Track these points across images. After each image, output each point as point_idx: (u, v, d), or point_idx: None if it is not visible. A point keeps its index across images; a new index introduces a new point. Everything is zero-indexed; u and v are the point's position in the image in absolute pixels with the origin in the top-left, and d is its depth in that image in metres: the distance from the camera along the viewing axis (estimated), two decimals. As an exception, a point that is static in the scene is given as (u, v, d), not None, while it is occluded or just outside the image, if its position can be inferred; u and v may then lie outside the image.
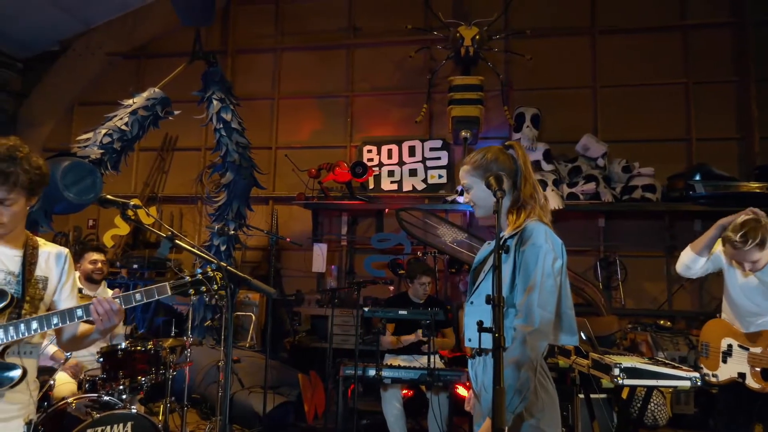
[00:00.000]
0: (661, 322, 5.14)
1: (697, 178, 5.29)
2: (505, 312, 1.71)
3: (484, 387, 1.76)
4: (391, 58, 6.91)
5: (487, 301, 1.41)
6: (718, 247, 2.89)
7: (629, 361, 2.79)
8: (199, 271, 1.85)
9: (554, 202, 5.38)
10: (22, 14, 6.94)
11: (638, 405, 3.89)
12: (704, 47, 6.16)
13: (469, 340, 1.84)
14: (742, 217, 2.70)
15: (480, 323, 1.50)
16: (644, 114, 6.20)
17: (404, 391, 4.06)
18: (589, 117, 6.34)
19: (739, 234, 2.61)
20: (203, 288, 1.82)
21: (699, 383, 2.72)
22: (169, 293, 1.80)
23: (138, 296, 1.79)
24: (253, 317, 5.91)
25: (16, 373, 1.68)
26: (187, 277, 1.82)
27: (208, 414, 4.72)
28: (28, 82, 7.88)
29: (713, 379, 2.92)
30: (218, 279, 1.81)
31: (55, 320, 1.74)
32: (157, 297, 1.80)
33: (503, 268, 1.72)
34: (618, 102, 6.30)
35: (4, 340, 1.67)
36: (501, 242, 1.79)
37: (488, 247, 2.00)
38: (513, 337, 1.65)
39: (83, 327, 1.92)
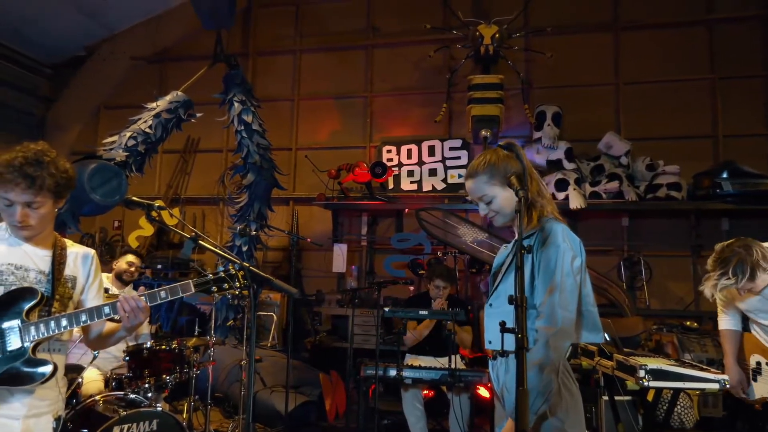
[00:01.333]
0: (688, 323, 5.02)
1: (725, 175, 5.17)
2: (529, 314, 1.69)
3: (506, 388, 1.75)
4: (410, 57, 6.90)
5: (510, 302, 1.40)
6: (732, 302, 2.89)
7: (655, 363, 2.73)
8: (222, 269, 1.88)
9: (576, 201, 5.31)
10: (50, 21, 7.12)
11: (664, 407, 3.82)
12: (731, 42, 6.01)
13: (490, 342, 1.82)
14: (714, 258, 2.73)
15: (503, 324, 1.49)
16: (669, 111, 6.08)
17: (425, 392, 4.05)
18: (611, 114, 6.25)
19: (722, 272, 2.61)
20: (225, 285, 1.85)
21: (728, 386, 2.66)
22: (193, 291, 1.85)
23: (163, 293, 1.83)
24: (275, 317, 5.96)
25: (48, 369, 1.72)
26: (210, 275, 1.86)
27: (231, 413, 4.78)
28: (56, 86, 8.08)
29: (744, 396, 2.88)
30: (240, 277, 1.84)
31: (83, 317, 1.78)
32: (181, 294, 1.85)
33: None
34: (641, 99, 6.19)
35: (36, 337, 1.71)
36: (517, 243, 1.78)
37: (505, 250, 1.98)
38: (535, 339, 1.64)
39: (109, 325, 1.96)
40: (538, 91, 6.45)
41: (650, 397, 3.47)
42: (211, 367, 3.85)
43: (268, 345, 5.76)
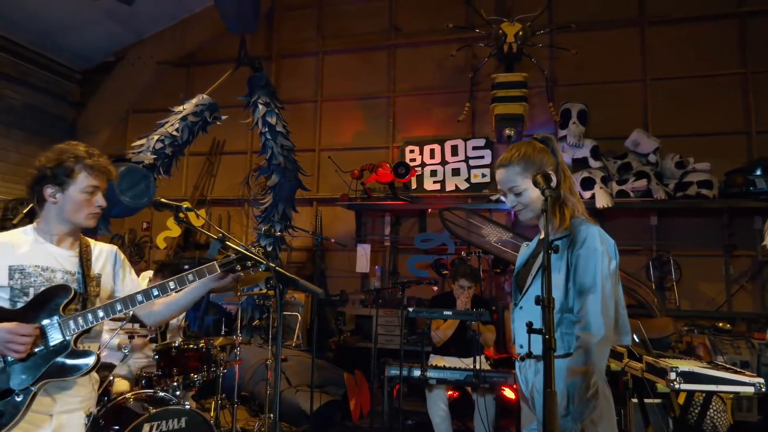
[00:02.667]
0: (720, 324, 4.89)
1: (758, 173, 5.02)
2: (559, 318, 1.67)
3: (537, 390, 1.72)
4: (432, 57, 6.88)
5: (537, 302, 1.38)
6: None
7: (686, 365, 2.67)
8: (243, 248, 1.93)
9: (603, 200, 5.22)
10: (80, 27, 7.32)
11: (696, 411, 3.73)
12: (764, 35, 5.83)
13: (521, 346, 1.77)
14: None
15: (529, 325, 1.46)
16: (698, 107, 5.93)
17: (449, 392, 4.03)
18: (638, 111, 6.13)
19: None
20: (249, 263, 1.91)
21: (764, 389, 2.58)
22: (219, 271, 1.90)
23: (191, 277, 1.89)
24: (299, 317, 6.01)
25: (91, 360, 1.77)
26: (233, 256, 1.91)
27: (256, 411, 4.83)
28: (86, 92, 8.30)
29: None
30: (260, 253, 1.91)
31: (118, 307, 1.83)
32: (207, 276, 1.90)
33: (555, 274, 1.68)
34: (670, 95, 6.05)
35: (76, 330, 1.77)
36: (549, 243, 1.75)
37: (527, 249, 1.93)
38: (577, 346, 1.60)
39: (159, 301, 1.99)
40: (563, 88, 6.37)
41: (681, 400, 3.38)
42: (238, 366, 3.90)
43: (293, 345, 5.81)
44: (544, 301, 1.36)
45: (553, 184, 1.73)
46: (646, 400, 3.29)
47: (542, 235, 1.79)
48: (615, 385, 3.35)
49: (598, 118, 6.02)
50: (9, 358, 1.69)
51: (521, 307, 1.82)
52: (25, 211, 5.63)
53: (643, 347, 3.01)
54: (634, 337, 3.17)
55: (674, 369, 2.59)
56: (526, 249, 1.95)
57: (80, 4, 5.15)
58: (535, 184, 1.60)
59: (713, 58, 5.96)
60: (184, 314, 4.20)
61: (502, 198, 5.86)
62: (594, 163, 5.61)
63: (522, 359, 1.76)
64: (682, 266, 5.64)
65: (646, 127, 5.95)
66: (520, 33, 5.59)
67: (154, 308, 2.02)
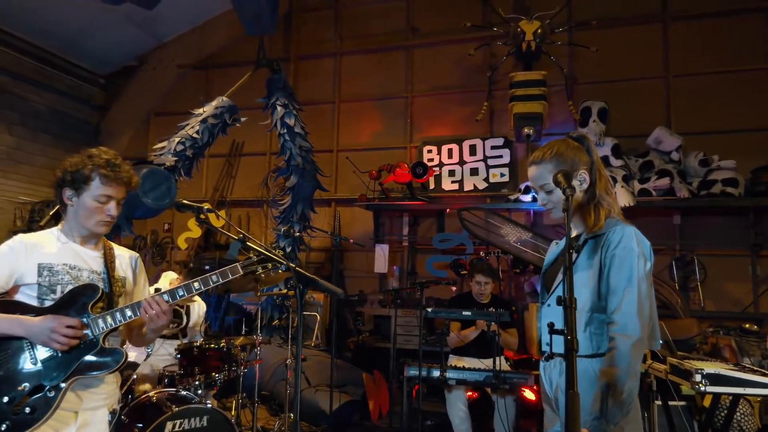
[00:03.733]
0: (747, 325, 4.78)
1: (786, 170, 4.89)
2: (589, 317, 1.64)
3: (561, 391, 1.69)
4: (450, 57, 6.86)
5: (558, 303, 1.36)
6: None
7: (712, 367, 2.61)
8: (263, 248, 1.95)
9: (624, 199, 5.15)
10: (103, 33, 7.46)
11: (723, 414, 3.65)
12: (791, 29, 5.70)
13: (547, 344, 1.75)
14: None
15: (551, 325, 1.45)
16: (723, 103, 5.80)
17: (469, 393, 4.01)
18: (661, 109, 6.02)
19: None
20: (270, 265, 1.94)
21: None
22: (241, 272, 1.92)
23: (214, 278, 1.92)
24: (318, 317, 6.04)
25: (121, 357, 1.81)
26: (254, 257, 1.94)
27: (276, 410, 4.87)
28: (110, 95, 8.46)
29: None
30: (279, 255, 1.93)
31: None
32: (231, 277, 1.93)
33: (587, 272, 1.67)
34: (693, 92, 5.93)
35: (104, 328, 1.81)
36: (581, 242, 1.73)
37: (556, 247, 1.91)
38: (612, 347, 1.58)
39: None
40: (583, 86, 6.29)
41: (707, 403, 3.32)
42: (258, 365, 3.93)
43: (312, 344, 5.85)
44: (566, 302, 1.34)
45: (575, 183, 1.71)
46: (671, 403, 3.24)
47: (575, 234, 1.77)
48: (639, 388, 3.29)
49: (619, 115, 5.93)
50: (40, 356, 1.73)
51: (548, 305, 1.79)
52: (51, 212, 5.77)
53: (667, 348, 2.95)
54: (658, 338, 3.12)
55: (699, 371, 2.54)
56: (555, 247, 1.92)
57: (102, 9, 5.24)
58: (556, 183, 1.58)
59: (738, 54, 5.83)
60: (204, 313, 4.26)
61: (522, 198, 5.82)
62: (615, 162, 5.53)
63: (546, 359, 1.73)
64: (707, 266, 5.53)
65: (669, 124, 5.84)
66: (539, 31, 5.54)
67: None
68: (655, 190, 5.32)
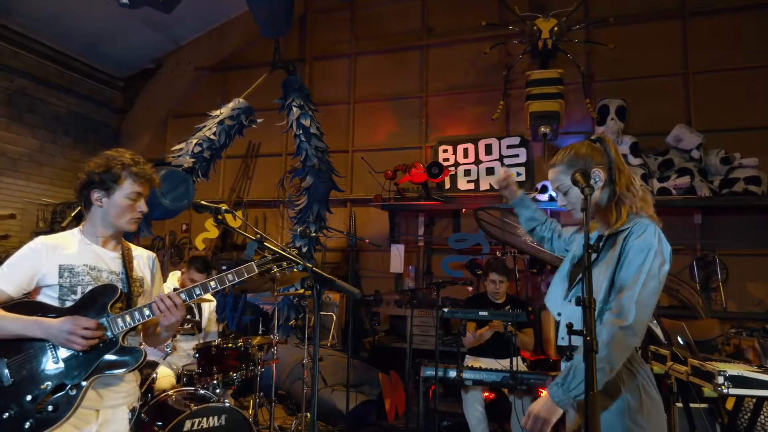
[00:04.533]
0: (770, 326, 4.68)
1: (811, 167, 4.78)
2: (600, 309, 1.62)
3: None
4: (465, 56, 6.84)
5: (577, 303, 1.35)
6: None
7: (735, 369, 2.56)
8: (280, 248, 1.97)
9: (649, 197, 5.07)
10: (122, 37, 7.58)
11: (746, 417, 3.58)
12: (816, 23, 5.56)
13: (562, 338, 1.73)
14: None
15: (569, 326, 1.43)
16: (745, 100, 5.69)
17: (486, 394, 3.98)
18: (680, 106, 5.93)
19: None
20: (285, 264, 1.96)
21: None
22: (256, 271, 1.95)
23: (230, 276, 1.94)
24: (334, 317, 6.06)
25: (140, 356, 1.84)
26: (269, 256, 1.96)
27: (293, 410, 4.89)
28: (128, 98, 8.60)
29: None
30: (295, 254, 1.95)
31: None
32: (246, 275, 1.95)
33: (605, 265, 1.65)
34: (714, 88, 5.83)
35: (124, 327, 1.84)
36: (604, 239, 1.71)
37: (579, 239, 1.89)
38: (601, 325, 1.56)
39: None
40: (600, 84, 6.22)
41: (729, 405, 3.25)
42: (275, 365, 3.96)
43: (328, 344, 5.86)
44: (585, 302, 1.33)
45: (594, 181, 1.69)
46: (692, 405, 3.18)
47: (605, 231, 1.74)
48: (658, 389, 3.24)
49: (638, 113, 5.85)
50: (61, 355, 1.76)
51: (570, 300, 1.76)
52: (73, 214, 5.88)
53: (688, 350, 2.90)
54: (679, 339, 3.07)
55: (722, 373, 2.50)
56: (579, 237, 1.90)
57: (121, 13, 5.33)
58: (574, 182, 1.56)
59: (759, 49, 5.70)
60: (215, 307, 4.29)
61: (539, 197, 5.77)
62: (634, 160, 5.45)
63: (567, 359, 1.72)
64: (729, 266, 5.42)
65: (689, 122, 5.75)
66: (556, 29, 5.49)
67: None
68: (675, 189, 5.24)
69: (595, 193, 1.71)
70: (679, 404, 3.17)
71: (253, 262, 1.97)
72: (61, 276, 1.83)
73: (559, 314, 1.79)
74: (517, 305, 4.05)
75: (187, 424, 2.87)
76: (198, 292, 1.92)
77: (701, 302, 4.83)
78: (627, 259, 1.61)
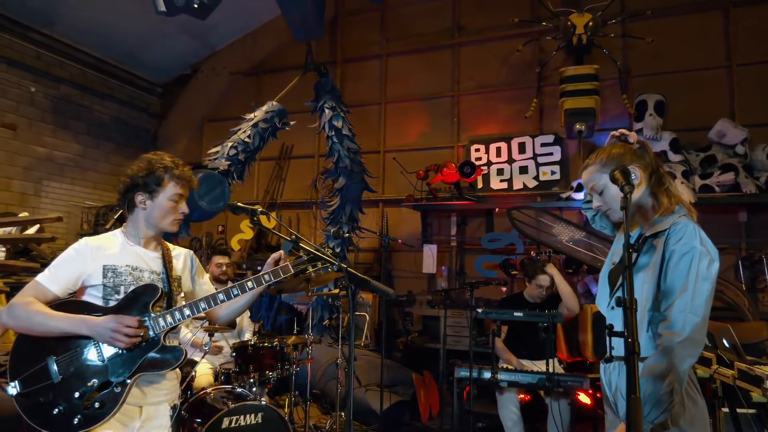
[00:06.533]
0: (823, 329, 4.46)
1: None
2: (650, 317, 1.58)
3: (620, 394, 1.65)
4: (497, 54, 6.76)
5: (618, 304, 1.32)
6: None
7: (785, 373, 2.46)
8: (314, 249, 2.00)
9: (684, 195, 4.92)
10: (159, 43, 7.80)
11: (797, 423, 3.42)
12: None
13: (613, 348, 1.68)
14: None
15: (610, 327, 1.40)
16: (793, 92, 5.45)
17: (521, 395, 3.93)
18: (724, 100, 5.72)
19: None
20: (319, 264, 1.99)
21: None
22: (292, 271, 1.99)
23: (267, 277, 1.98)
24: (367, 317, 6.08)
25: (181, 354, 1.89)
26: (304, 257, 2.00)
27: (328, 409, 4.93)
28: (166, 104, 8.84)
29: None
30: (328, 254, 1.98)
31: (202, 305, 1.95)
32: (282, 276, 1.99)
33: (647, 271, 1.61)
34: (759, 81, 5.59)
35: (165, 327, 1.89)
36: (640, 240, 1.66)
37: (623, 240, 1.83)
38: (658, 344, 1.52)
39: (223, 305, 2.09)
40: (638, 79, 6.05)
41: (779, 410, 3.12)
42: (309, 364, 4.00)
43: (362, 344, 5.89)
44: (626, 303, 1.29)
45: (634, 179, 1.65)
46: (739, 410, 3.06)
47: (646, 231, 1.70)
48: (702, 394, 3.14)
49: (678, 108, 5.67)
50: (106, 353, 1.82)
51: (612, 307, 1.72)
52: (116, 216, 6.08)
53: (734, 353, 2.80)
54: (724, 341, 2.96)
55: (771, 377, 2.40)
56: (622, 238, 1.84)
57: (159, 21, 5.49)
58: (613, 180, 1.53)
59: (810, 38, 5.46)
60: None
61: (574, 195, 5.65)
62: (674, 157, 5.29)
63: (606, 361, 1.68)
64: (777, 266, 5.20)
65: (733, 116, 5.53)
66: (590, 24, 5.38)
67: (224, 307, 2.10)
68: (719, 186, 5.06)
69: (635, 192, 1.67)
70: (725, 409, 3.05)
71: (288, 263, 2.00)
72: (105, 276, 1.89)
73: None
74: (553, 305, 3.99)
75: (225, 422, 2.93)
76: (236, 292, 1.97)
77: (747, 303, 4.65)
78: (670, 266, 1.56)
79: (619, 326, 1.40)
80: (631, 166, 1.69)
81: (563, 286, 3.96)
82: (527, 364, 3.98)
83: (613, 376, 1.71)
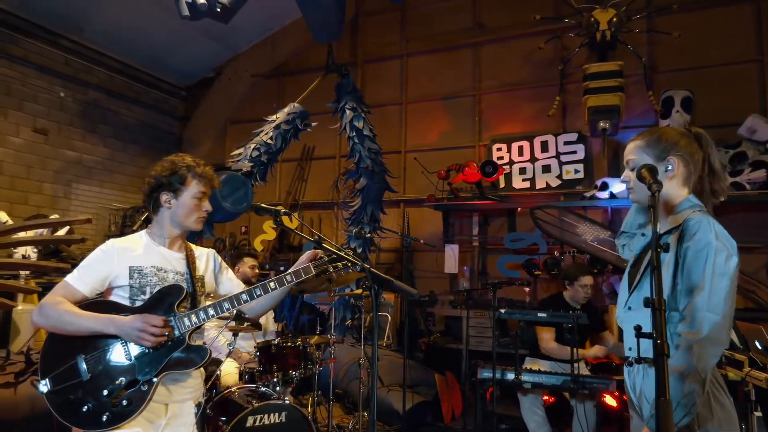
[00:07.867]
0: None
1: None
2: (666, 317, 1.54)
3: (645, 397, 1.61)
4: (518, 51, 6.69)
5: (646, 305, 1.28)
6: None
7: (822, 376, 2.38)
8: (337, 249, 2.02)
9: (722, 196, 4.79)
10: (183, 47, 7.93)
11: (834, 428, 3.30)
12: None
13: (629, 349, 1.66)
14: None
15: (638, 328, 1.37)
16: (828, 86, 5.27)
17: (545, 397, 3.87)
18: (754, 95, 5.56)
19: None
20: (340, 264, 2.02)
21: None
22: (313, 272, 2.01)
23: (289, 277, 2.01)
24: (389, 317, 6.08)
25: (205, 354, 1.92)
26: (325, 257, 2.02)
27: (350, 409, 4.95)
28: (190, 107, 8.98)
29: None
30: (350, 255, 2.00)
31: (226, 305, 1.97)
32: (304, 276, 2.02)
33: (665, 270, 1.55)
34: (792, 75, 5.43)
35: (190, 327, 1.91)
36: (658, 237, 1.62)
37: (643, 239, 1.78)
38: (676, 344, 1.48)
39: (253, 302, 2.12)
40: (664, 75, 5.93)
41: (816, 415, 3.01)
42: (332, 364, 4.01)
43: (384, 344, 5.89)
44: (654, 303, 1.26)
45: (670, 171, 1.62)
46: (773, 414, 2.97)
47: (661, 228, 1.66)
48: (734, 397, 3.05)
49: (706, 104, 5.54)
50: (133, 352, 1.86)
51: (629, 308, 1.68)
52: (142, 218, 6.19)
53: (767, 355, 2.72)
54: (756, 343, 2.87)
55: (807, 380, 2.32)
56: (641, 238, 1.79)
57: (182, 25, 5.58)
58: (640, 178, 1.49)
59: None
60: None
61: (598, 194, 5.55)
62: (702, 154, 5.16)
63: (630, 364, 1.64)
64: (812, 265, 5.04)
65: (764, 111, 5.37)
66: (614, 19, 5.29)
67: (252, 303, 2.12)
68: (750, 183, 4.92)
69: (665, 183, 1.61)
70: (758, 413, 2.96)
71: (310, 264, 2.01)
72: (131, 277, 1.92)
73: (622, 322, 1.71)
74: (591, 309, 3.91)
75: (250, 420, 2.95)
76: (259, 293, 2.00)
77: (781, 304, 4.51)
78: (686, 264, 1.52)
79: (632, 328, 1.37)
80: (673, 156, 1.64)
81: None
82: (552, 365, 3.91)
83: (637, 380, 1.67)
